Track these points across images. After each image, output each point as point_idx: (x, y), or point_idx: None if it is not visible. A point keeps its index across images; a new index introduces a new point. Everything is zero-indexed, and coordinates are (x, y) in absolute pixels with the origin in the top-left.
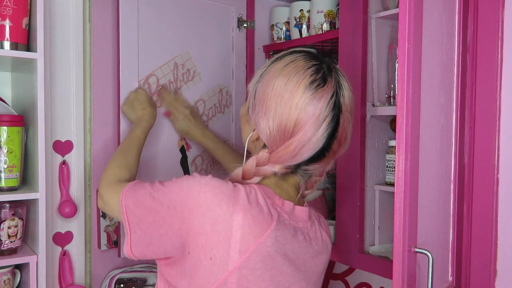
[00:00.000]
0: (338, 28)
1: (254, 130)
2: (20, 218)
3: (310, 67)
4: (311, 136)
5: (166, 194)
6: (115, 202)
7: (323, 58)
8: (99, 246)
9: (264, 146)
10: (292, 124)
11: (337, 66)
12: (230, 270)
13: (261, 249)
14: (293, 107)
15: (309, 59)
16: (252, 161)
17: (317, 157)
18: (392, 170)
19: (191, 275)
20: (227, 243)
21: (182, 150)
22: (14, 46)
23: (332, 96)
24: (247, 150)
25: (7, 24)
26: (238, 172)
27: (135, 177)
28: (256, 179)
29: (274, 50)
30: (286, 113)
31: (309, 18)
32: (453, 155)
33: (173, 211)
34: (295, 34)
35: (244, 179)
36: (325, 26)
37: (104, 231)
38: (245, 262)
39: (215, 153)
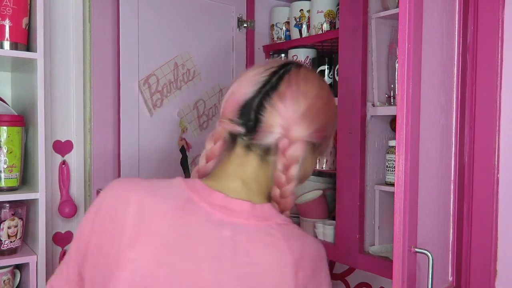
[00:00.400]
0: (338, 28)
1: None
2: (20, 218)
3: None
4: (240, 87)
5: (80, 233)
6: None
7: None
8: None
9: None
10: (233, 83)
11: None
12: (121, 266)
13: (152, 242)
14: (240, 78)
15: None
16: (210, 136)
17: (250, 124)
18: (392, 170)
19: (91, 278)
20: (119, 237)
21: (182, 150)
22: (14, 46)
23: (278, 69)
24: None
25: (7, 24)
26: (201, 159)
27: None
28: (216, 144)
29: (274, 50)
30: (232, 84)
31: (309, 18)
32: (453, 155)
33: (79, 243)
34: (295, 34)
35: (208, 160)
36: (325, 26)
37: None
38: (136, 258)
39: None
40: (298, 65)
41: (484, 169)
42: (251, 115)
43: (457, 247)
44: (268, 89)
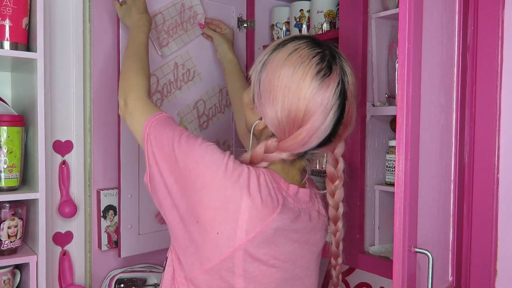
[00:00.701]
0: (338, 28)
1: (260, 119)
2: (20, 218)
3: (315, 56)
4: (319, 125)
5: (186, 156)
6: (140, 122)
7: (325, 44)
8: (99, 246)
9: (272, 135)
10: (301, 114)
11: (339, 50)
12: (236, 246)
13: (266, 230)
14: (301, 98)
15: (312, 46)
16: (260, 148)
17: (323, 143)
18: (392, 170)
19: (198, 244)
20: (234, 222)
21: None
22: (14, 46)
23: (338, 84)
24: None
25: (7, 24)
26: (246, 156)
27: (150, 82)
28: (264, 164)
29: None
30: (294, 104)
31: (309, 18)
32: (453, 155)
33: (187, 175)
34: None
35: (252, 164)
36: (325, 26)
37: (105, 231)
38: (251, 241)
39: (226, 79)
40: (345, 74)
41: (484, 169)
42: (315, 150)
43: (457, 247)
44: (336, 127)
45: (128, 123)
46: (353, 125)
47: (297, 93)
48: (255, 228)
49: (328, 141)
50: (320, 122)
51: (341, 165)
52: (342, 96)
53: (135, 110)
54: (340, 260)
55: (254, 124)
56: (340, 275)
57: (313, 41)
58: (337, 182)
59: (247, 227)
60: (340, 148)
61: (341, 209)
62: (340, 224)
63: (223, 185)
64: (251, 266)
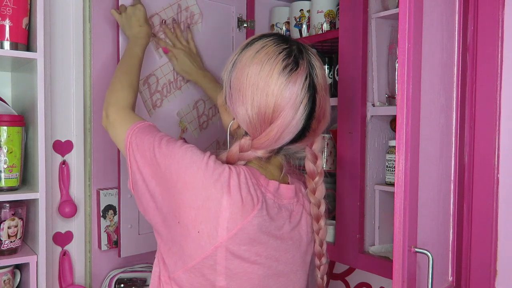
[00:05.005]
0: (338, 28)
1: (234, 119)
2: (20, 218)
3: (281, 52)
4: (290, 120)
5: (166, 158)
6: (121, 131)
7: (293, 40)
8: (99, 246)
9: (246, 133)
10: (270, 111)
11: (306, 45)
12: (217, 244)
13: (247, 228)
14: (270, 95)
15: (278, 43)
16: (235, 147)
17: (298, 138)
18: (392, 170)
19: (181, 244)
20: (215, 220)
21: None
22: (14, 46)
23: (306, 78)
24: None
25: (7, 24)
26: (223, 157)
27: (137, 96)
28: (241, 162)
29: None
30: (263, 101)
31: (309, 18)
32: (453, 155)
33: (168, 177)
34: (295, 34)
35: (228, 163)
36: (325, 26)
37: (105, 231)
38: (232, 239)
39: (212, 95)
40: (312, 68)
41: (484, 169)
42: (290, 146)
43: (457, 247)
44: (308, 121)
45: (110, 134)
46: (327, 119)
47: (265, 90)
48: (236, 226)
49: (302, 135)
50: (290, 117)
51: (320, 161)
52: (312, 90)
53: (116, 121)
54: (324, 260)
55: (230, 124)
56: (325, 276)
57: (280, 38)
58: (317, 179)
59: (228, 225)
60: (318, 144)
61: (323, 207)
62: (322, 222)
63: (203, 185)
64: (232, 263)
